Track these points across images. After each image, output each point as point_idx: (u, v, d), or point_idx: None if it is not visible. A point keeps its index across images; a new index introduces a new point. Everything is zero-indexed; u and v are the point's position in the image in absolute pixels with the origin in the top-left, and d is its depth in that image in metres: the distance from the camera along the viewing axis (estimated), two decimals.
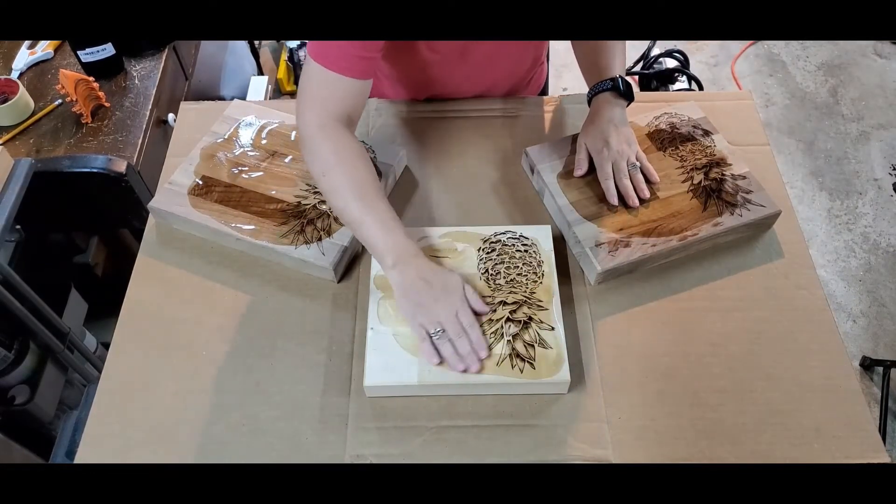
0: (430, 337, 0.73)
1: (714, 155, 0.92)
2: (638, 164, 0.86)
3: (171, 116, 1.44)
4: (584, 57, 0.95)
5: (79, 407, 1.40)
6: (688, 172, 0.90)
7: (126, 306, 0.83)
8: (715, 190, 0.88)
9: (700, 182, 0.89)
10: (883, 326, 1.95)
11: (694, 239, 0.83)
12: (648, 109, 0.98)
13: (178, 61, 1.55)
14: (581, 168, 0.88)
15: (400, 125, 1.00)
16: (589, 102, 0.92)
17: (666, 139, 0.94)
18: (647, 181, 0.87)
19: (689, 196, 0.87)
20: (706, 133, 0.94)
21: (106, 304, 1.04)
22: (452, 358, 0.72)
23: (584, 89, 0.94)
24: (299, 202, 0.87)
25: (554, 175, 0.90)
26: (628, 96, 0.89)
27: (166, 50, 1.48)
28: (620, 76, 0.88)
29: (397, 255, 0.74)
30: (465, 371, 0.72)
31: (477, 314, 0.75)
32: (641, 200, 0.85)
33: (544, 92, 1.17)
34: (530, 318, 0.77)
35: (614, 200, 0.85)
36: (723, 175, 0.89)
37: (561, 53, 2.23)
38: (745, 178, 0.89)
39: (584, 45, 0.94)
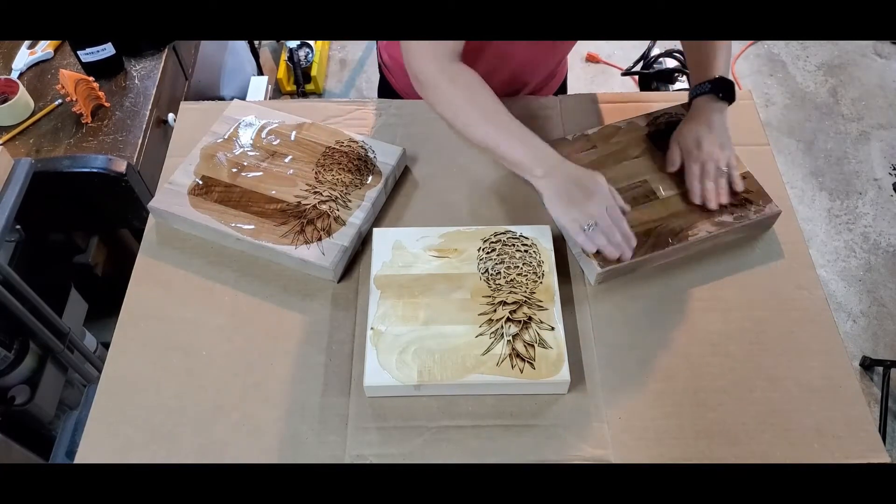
0: (584, 231, 0.78)
1: None
2: (726, 170, 0.86)
3: (171, 116, 1.44)
4: (689, 53, 0.96)
5: (79, 407, 1.40)
6: None
7: (126, 306, 0.83)
8: None
9: None
10: (883, 326, 1.95)
11: (694, 239, 0.83)
12: (648, 110, 0.98)
13: (178, 61, 1.54)
14: (673, 165, 0.88)
15: (400, 125, 1.01)
16: (690, 101, 0.92)
17: (665, 139, 0.94)
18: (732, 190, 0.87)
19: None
20: None
21: (106, 304, 1.04)
22: (607, 247, 0.78)
23: (584, 90, 0.94)
24: (299, 202, 0.87)
25: None
26: (729, 98, 0.88)
27: (166, 50, 1.48)
28: (722, 76, 0.88)
29: (545, 165, 0.80)
30: (619, 260, 0.79)
31: (624, 211, 0.80)
32: (722, 206, 0.85)
33: (561, 92, 1.18)
34: (530, 318, 0.77)
35: (697, 199, 0.85)
36: None
37: None
38: (744, 177, 0.89)
39: (691, 44, 0.95)
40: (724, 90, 0.87)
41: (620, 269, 0.82)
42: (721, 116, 0.88)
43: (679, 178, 0.89)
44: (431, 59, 0.82)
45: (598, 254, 0.80)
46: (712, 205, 0.84)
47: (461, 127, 0.83)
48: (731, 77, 0.89)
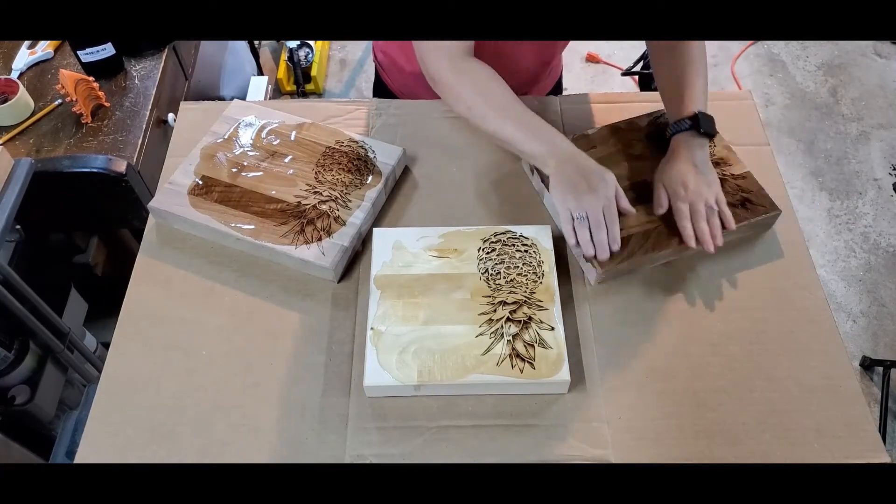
0: (572, 220, 0.79)
1: (714, 155, 0.92)
2: (716, 208, 0.83)
3: (171, 116, 1.44)
4: (664, 86, 0.92)
5: (79, 407, 1.40)
6: None
7: (126, 306, 0.83)
8: None
9: None
10: (883, 326, 1.95)
11: (689, 248, 0.83)
12: (648, 110, 0.98)
13: (178, 61, 1.55)
14: (661, 207, 0.84)
15: (400, 125, 1.01)
16: (669, 139, 0.89)
17: (665, 139, 0.94)
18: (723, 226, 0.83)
19: None
20: None
21: (106, 304, 1.04)
22: (586, 244, 0.79)
23: (584, 90, 0.94)
24: (299, 202, 0.87)
25: None
26: (710, 134, 0.85)
27: (166, 50, 1.48)
28: (701, 112, 0.85)
29: (558, 157, 0.80)
30: (593, 258, 0.79)
31: (623, 214, 0.80)
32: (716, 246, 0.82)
33: (556, 91, 1.18)
34: (530, 318, 0.77)
35: (692, 243, 0.81)
36: (723, 175, 0.89)
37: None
38: (744, 177, 0.89)
39: (664, 76, 0.92)
40: (704, 126, 0.84)
41: (620, 270, 0.82)
42: (703, 152, 0.85)
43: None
44: (444, 58, 0.83)
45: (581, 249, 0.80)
46: (709, 248, 0.81)
47: (477, 121, 0.84)
48: (707, 110, 0.86)
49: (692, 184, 0.83)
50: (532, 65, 1.05)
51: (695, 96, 0.87)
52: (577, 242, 0.80)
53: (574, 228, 0.79)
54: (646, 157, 0.92)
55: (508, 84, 1.03)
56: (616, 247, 0.79)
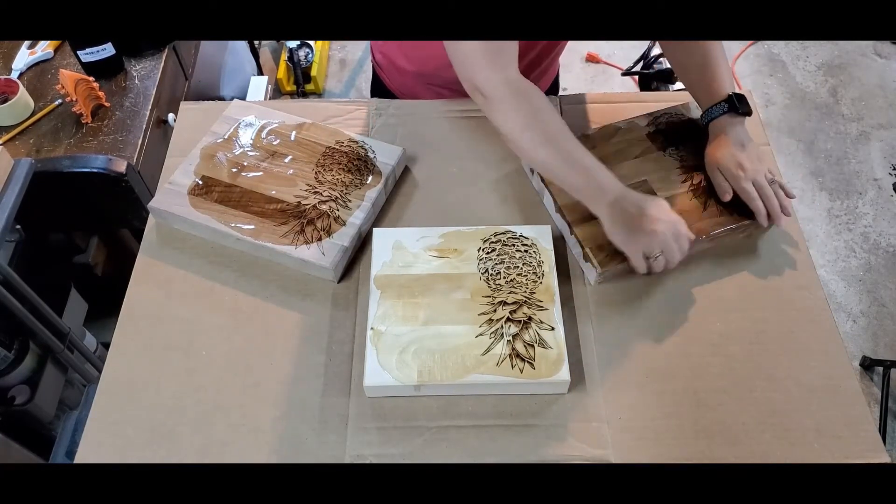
0: (647, 260, 0.77)
1: None
2: (775, 179, 0.85)
3: (171, 116, 1.44)
4: (687, 73, 0.92)
5: (79, 407, 1.40)
6: (687, 173, 0.90)
7: (126, 306, 0.83)
8: (715, 190, 0.88)
9: (700, 182, 0.89)
10: (883, 326, 1.95)
11: (694, 240, 0.83)
12: (648, 110, 0.98)
13: (178, 61, 1.54)
14: (728, 192, 0.85)
15: (400, 125, 1.00)
16: (706, 125, 0.89)
17: (665, 139, 0.94)
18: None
19: (689, 196, 0.88)
20: (706, 132, 0.94)
21: (106, 304, 1.04)
22: (661, 268, 0.78)
23: (584, 90, 0.94)
24: (299, 202, 0.87)
25: None
26: (746, 112, 0.86)
27: (166, 50, 1.48)
28: (733, 93, 0.86)
29: (608, 194, 0.78)
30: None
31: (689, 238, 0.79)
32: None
33: (552, 92, 1.17)
34: (530, 318, 0.77)
35: (765, 221, 0.83)
36: None
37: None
38: None
39: (686, 66, 0.92)
40: (741, 106, 0.85)
41: (621, 271, 0.82)
42: (745, 131, 0.87)
43: (678, 179, 0.89)
44: (495, 70, 0.79)
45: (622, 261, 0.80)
46: (781, 221, 0.83)
47: (524, 146, 0.80)
48: (739, 90, 0.87)
49: (747, 163, 0.84)
50: (531, 58, 1.04)
51: (722, 78, 0.88)
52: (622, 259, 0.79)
53: (651, 266, 0.78)
54: (646, 157, 0.92)
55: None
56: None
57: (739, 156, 0.85)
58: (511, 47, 0.81)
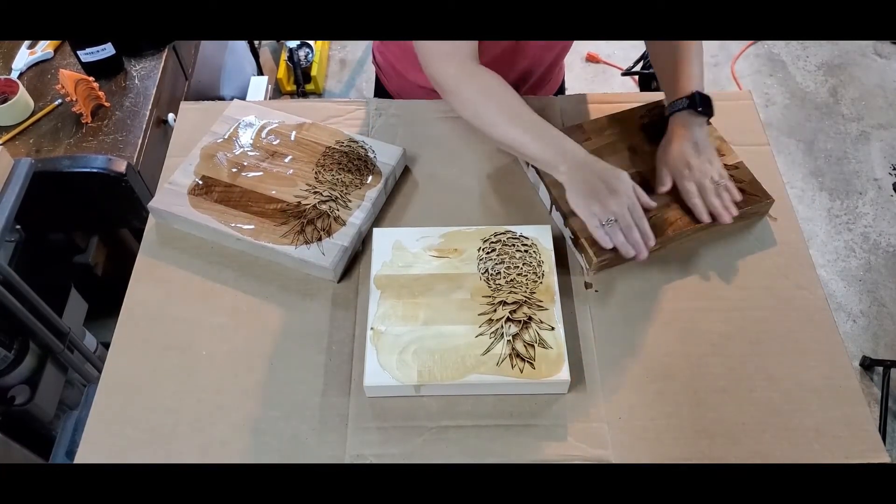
0: (602, 226, 0.78)
1: None
2: (723, 181, 0.85)
3: (171, 116, 1.44)
4: (661, 69, 0.93)
5: (79, 407, 1.40)
6: None
7: (126, 306, 0.83)
8: None
9: None
10: (883, 326, 1.95)
11: (689, 228, 0.83)
12: None
13: (178, 61, 1.54)
14: (665, 185, 0.85)
15: (400, 125, 1.00)
16: (667, 118, 0.90)
17: (659, 131, 0.94)
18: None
19: None
20: None
21: (106, 304, 1.04)
22: (624, 245, 0.78)
23: (584, 90, 0.94)
24: (299, 202, 0.87)
25: None
26: (707, 112, 0.86)
27: (166, 50, 1.48)
28: (698, 92, 0.85)
29: (569, 160, 0.79)
30: (634, 258, 0.78)
31: (646, 209, 0.80)
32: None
33: (559, 93, 1.18)
34: (530, 318, 0.77)
35: (705, 217, 0.83)
36: None
37: None
38: (737, 168, 0.90)
39: (661, 57, 0.92)
40: (702, 104, 0.85)
41: (616, 259, 0.82)
42: (703, 131, 0.86)
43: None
44: (450, 62, 0.83)
45: (613, 249, 0.80)
46: (726, 219, 0.83)
47: (486, 127, 0.83)
48: (705, 90, 0.86)
49: (695, 162, 0.84)
50: (540, 66, 1.05)
51: (691, 76, 0.87)
52: (614, 246, 0.79)
53: (607, 234, 0.78)
54: (641, 148, 0.92)
55: (517, 85, 1.03)
56: (651, 243, 0.79)
57: (689, 154, 0.85)
58: (468, 42, 0.83)
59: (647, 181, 0.88)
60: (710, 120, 0.88)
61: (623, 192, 0.78)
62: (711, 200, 0.83)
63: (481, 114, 0.83)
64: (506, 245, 0.83)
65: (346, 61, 2.68)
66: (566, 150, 0.80)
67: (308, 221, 0.85)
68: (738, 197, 0.85)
